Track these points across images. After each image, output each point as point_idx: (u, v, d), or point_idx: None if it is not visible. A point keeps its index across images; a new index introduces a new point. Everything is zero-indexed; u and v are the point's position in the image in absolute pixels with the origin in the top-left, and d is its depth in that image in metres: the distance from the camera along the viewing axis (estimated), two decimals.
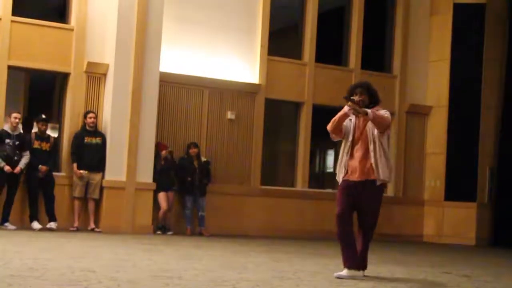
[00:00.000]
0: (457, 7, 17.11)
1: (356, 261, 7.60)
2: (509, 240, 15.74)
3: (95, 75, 14.15)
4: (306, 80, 16.49)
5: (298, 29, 16.79)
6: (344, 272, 7.58)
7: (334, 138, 7.92)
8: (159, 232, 14.31)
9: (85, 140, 13.84)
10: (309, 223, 16.17)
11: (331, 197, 16.53)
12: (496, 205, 16.66)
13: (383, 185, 7.72)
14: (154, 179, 14.26)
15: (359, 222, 7.86)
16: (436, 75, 17.46)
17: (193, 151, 14.81)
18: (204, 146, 15.29)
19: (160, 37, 14.30)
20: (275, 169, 17.20)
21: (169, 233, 14.39)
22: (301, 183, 16.37)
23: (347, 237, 7.71)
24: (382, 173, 7.57)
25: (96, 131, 13.96)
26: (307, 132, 16.41)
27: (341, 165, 7.76)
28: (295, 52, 16.72)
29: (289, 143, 16.87)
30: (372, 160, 7.54)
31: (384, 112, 7.70)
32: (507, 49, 16.91)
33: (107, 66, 14.06)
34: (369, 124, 7.63)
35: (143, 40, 14.10)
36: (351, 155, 7.69)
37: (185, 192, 14.76)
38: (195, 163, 14.82)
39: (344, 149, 7.77)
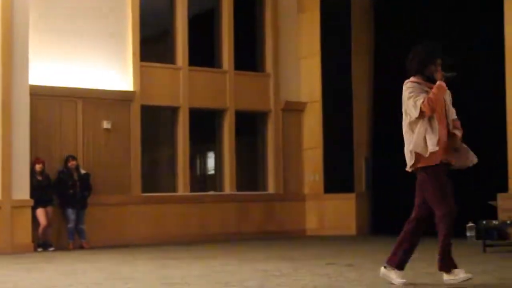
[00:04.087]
0: (323, 3, 17.48)
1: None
2: (387, 228, 16.19)
3: None
4: (180, 84, 16.46)
5: (169, 33, 16.75)
6: (461, 275, 6.77)
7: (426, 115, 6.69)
8: (40, 249, 13.97)
9: None
10: (193, 227, 16.16)
11: (214, 200, 16.65)
12: (373, 194, 17.12)
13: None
14: (32, 195, 13.90)
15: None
16: (308, 71, 17.78)
17: (71, 163, 14.57)
18: (82, 157, 15.03)
19: (27, 50, 13.94)
20: (156, 176, 17.09)
21: (51, 249, 14.06)
22: (182, 188, 16.34)
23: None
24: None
25: None
26: (185, 136, 16.39)
27: (434, 142, 6.63)
28: (168, 57, 16.66)
29: (168, 148, 16.80)
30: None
31: None
32: (373, 42, 17.40)
33: None
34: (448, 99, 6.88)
35: (10, 54, 13.71)
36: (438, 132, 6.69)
37: (67, 206, 14.49)
38: (75, 175, 14.57)
39: (432, 127, 6.67)
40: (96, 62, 15.45)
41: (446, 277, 6.79)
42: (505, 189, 14.00)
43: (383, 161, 16.80)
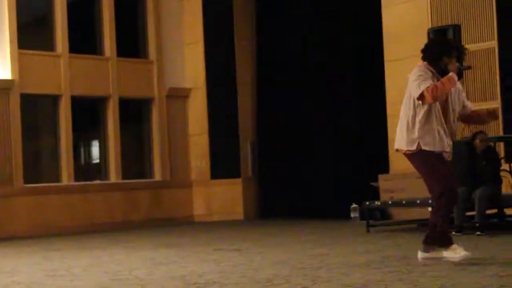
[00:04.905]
0: None
1: None
2: (274, 212, 16.40)
3: None
4: (61, 72, 16.09)
5: (48, 19, 16.32)
6: (461, 252, 6.70)
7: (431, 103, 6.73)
8: None
9: None
10: (79, 217, 15.87)
11: (100, 189, 16.40)
12: (260, 178, 17.27)
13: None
14: None
15: None
16: (192, 58, 17.73)
17: None
18: None
19: None
20: (39, 166, 16.68)
21: None
22: (66, 178, 16.01)
23: None
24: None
25: None
26: (68, 125, 16.05)
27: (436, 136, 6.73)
28: (47, 44, 16.24)
29: (50, 137, 16.42)
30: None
31: None
32: (255, 27, 17.50)
33: None
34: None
35: None
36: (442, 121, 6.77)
37: None
38: None
39: (435, 115, 6.72)
40: None
41: (445, 253, 6.72)
42: (386, 170, 14.41)
43: (269, 146, 16.99)
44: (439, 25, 13.02)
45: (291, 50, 16.55)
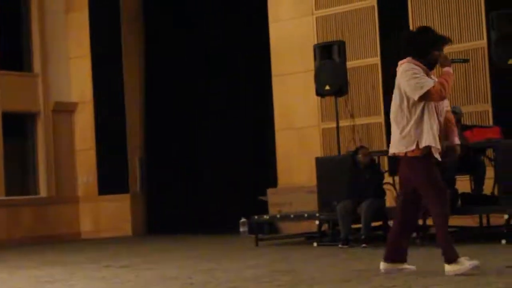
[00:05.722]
0: (92, 3, 17.22)
1: None
2: (163, 227, 16.29)
3: None
4: None
5: None
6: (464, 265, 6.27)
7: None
8: None
9: None
10: None
11: None
12: (148, 194, 17.14)
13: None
14: None
15: None
16: (78, 72, 17.44)
17: None
18: None
19: None
20: None
21: None
22: None
23: None
24: None
25: None
26: None
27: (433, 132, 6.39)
28: None
29: None
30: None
31: None
32: (144, 41, 17.39)
33: None
34: None
35: None
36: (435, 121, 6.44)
37: None
38: None
39: (429, 112, 6.39)
40: None
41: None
42: (275, 184, 14.57)
43: (157, 161, 16.89)
44: (324, 41, 13.29)
45: (179, 66, 16.53)
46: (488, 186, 10.25)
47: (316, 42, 13.32)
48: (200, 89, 16.24)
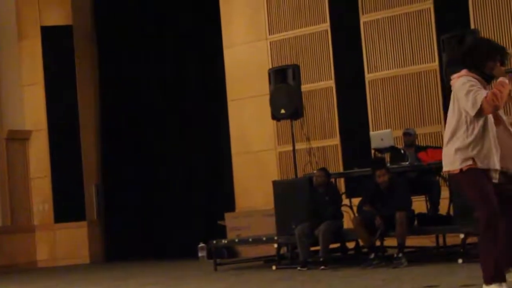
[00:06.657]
0: (44, 30, 17.11)
1: None
2: (120, 254, 16.17)
3: None
4: None
5: None
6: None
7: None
8: None
9: None
10: None
11: None
12: (106, 221, 17.00)
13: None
14: None
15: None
16: (32, 99, 17.28)
17: None
18: None
19: None
20: None
21: None
22: None
23: None
24: None
25: None
26: None
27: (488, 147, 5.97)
28: None
29: None
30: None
31: None
32: (97, 67, 17.33)
33: None
34: None
35: None
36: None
37: None
38: None
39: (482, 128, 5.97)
40: None
41: None
42: (233, 208, 14.57)
43: (114, 188, 16.79)
44: (279, 65, 13.38)
45: (134, 92, 16.51)
46: (444, 207, 10.38)
47: (270, 66, 13.41)
48: (156, 114, 16.23)
